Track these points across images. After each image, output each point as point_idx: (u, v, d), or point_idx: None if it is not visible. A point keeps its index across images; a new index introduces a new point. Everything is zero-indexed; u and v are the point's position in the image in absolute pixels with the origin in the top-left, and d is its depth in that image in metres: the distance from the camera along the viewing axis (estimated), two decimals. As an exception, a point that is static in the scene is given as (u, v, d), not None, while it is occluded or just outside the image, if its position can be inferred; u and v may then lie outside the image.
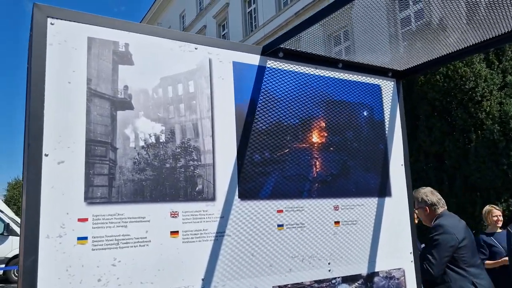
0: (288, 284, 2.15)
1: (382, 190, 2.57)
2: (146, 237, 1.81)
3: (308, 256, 2.23)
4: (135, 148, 1.85)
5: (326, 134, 2.42)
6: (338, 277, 2.31)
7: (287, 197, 2.22)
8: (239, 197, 2.08)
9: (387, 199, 2.58)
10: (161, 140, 1.91)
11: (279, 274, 2.13)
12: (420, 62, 2.68)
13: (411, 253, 2.61)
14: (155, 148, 1.89)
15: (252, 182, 2.12)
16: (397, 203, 2.62)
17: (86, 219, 1.71)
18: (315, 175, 2.33)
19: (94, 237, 1.71)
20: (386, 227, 2.53)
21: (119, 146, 1.81)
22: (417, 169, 8.16)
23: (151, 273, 1.80)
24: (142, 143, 1.86)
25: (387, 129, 2.68)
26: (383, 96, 2.72)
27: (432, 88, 7.94)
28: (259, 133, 2.19)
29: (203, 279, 1.92)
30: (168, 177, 1.90)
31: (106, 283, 1.71)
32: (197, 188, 1.97)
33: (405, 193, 2.67)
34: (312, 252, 2.25)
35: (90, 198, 1.72)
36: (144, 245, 1.80)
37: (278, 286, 2.12)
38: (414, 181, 7.94)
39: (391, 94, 2.76)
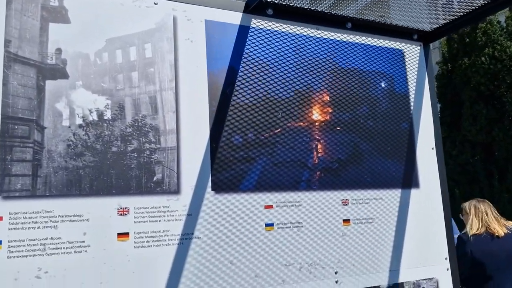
0: (280, 300, 1.68)
1: (407, 180, 2.04)
2: (83, 241, 1.41)
3: (307, 264, 1.75)
4: (69, 127, 1.45)
5: (330, 110, 1.92)
6: (349, 291, 1.81)
7: (279, 189, 1.75)
8: (212, 190, 1.63)
9: (413, 191, 2.05)
10: (105, 117, 1.50)
11: (267, 287, 1.66)
12: (452, 18, 2.12)
13: (446, 259, 2.06)
14: (98, 127, 1.48)
15: (230, 170, 1.67)
16: (427, 196, 2.08)
17: (0, 218, 1.32)
18: (316, 161, 1.85)
19: (11, 241, 1.32)
20: (412, 227, 2.00)
21: (48, 124, 1.42)
22: (462, 162, 7.38)
23: (90, 286, 1.39)
24: (79, 121, 1.46)
25: (412, 104, 2.15)
26: (406, 63, 2.18)
27: (477, 71, 7.14)
28: (240, 108, 1.73)
29: (163, 295, 1.49)
30: (115, 164, 1.49)
31: (27, 301, 1.31)
32: (154, 178, 1.54)
33: (438, 184, 2.13)
34: (313, 259, 1.76)
35: (6, 191, 1.34)
36: (80, 251, 1.40)
37: (267, 302, 1.65)
38: (459, 174, 7.20)
39: (417, 61, 2.22)
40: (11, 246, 1.32)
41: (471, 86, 7.22)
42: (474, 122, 7.13)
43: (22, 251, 1.33)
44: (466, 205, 3.01)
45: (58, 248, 1.37)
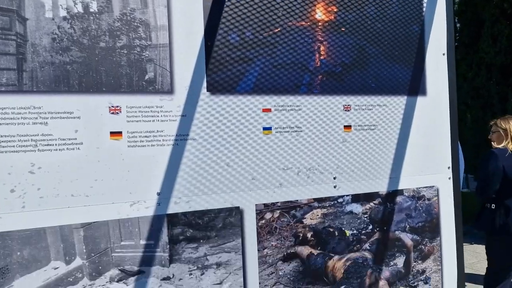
0: (277, 203, 1.68)
1: (414, 86, 1.95)
2: (75, 139, 1.38)
3: (305, 169, 1.73)
4: (53, 19, 1.36)
5: (335, 10, 1.79)
6: (347, 195, 1.81)
7: (278, 92, 1.68)
8: (207, 91, 1.57)
9: (420, 99, 1.97)
10: (91, 10, 1.41)
11: (264, 189, 1.66)
12: None
13: (449, 168, 2.03)
14: (83, 20, 1.39)
15: (227, 71, 1.59)
16: (435, 104, 2.00)
17: (-12, 113, 1.29)
18: (318, 64, 1.75)
19: (2, 136, 1.30)
20: (416, 135, 1.95)
21: (30, 16, 1.33)
22: (476, 85, 7.15)
23: (85, 184, 1.40)
24: (63, 13, 1.37)
25: (425, 5, 1.99)
26: (422, -41, 1.99)
27: (501, -14, 6.65)
28: (237, 4, 1.61)
29: (158, 194, 1.49)
30: (104, 60, 1.42)
31: (23, 194, 1.32)
32: (146, 77, 1.48)
33: (446, 92, 2.03)
34: (311, 164, 1.74)
35: (-9, 85, 1.29)
36: (73, 149, 1.38)
37: (264, 204, 1.66)
38: (472, 98, 7.02)
39: (434, -43, 2.02)
40: (2, 141, 1.30)
41: (493, 3, 6.77)
42: (493, 43, 6.78)
43: (14, 146, 1.31)
44: (498, 121, 3.01)
45: (50, 145, 1.35)
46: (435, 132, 2.00)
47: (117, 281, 1.44)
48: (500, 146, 2.95)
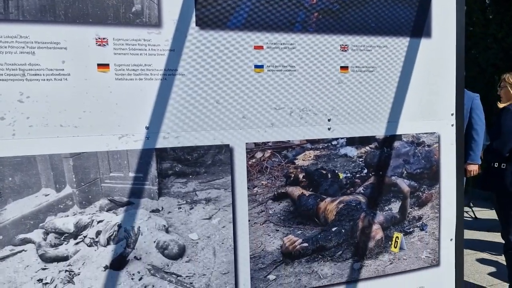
0: (268, 142, 1.68)
1: (418, 27, 1.87)
2: (63, 69, 1.40)
3: (298, 109, 1.71)
4: None
5: None
6: (341, 138, 1.78)
7: (271, 29, 1.64)
8: (197, 25, 1.54)
9: (424, 41, 1.88)
10: None
11: (255, 128, 1.65)
12: None
13: (452, 114, 1.97)
14: (68, -51, 1.38)
15: (217, 5, 1.56)
16: (439, 46, 1.91)
17: (-25, 41, 1.32)
18: (314, 1, 1.69)
19: (-10, 65, 1.33)
20: (418, 79, 1.88)
21: None
22: (507, 46, 6.81)
23: (73, 114, 1.42)
24: None
25: None
26: None
27: None
28: None
29: (147, 128, 1.51)
30: (90, -9, 1.41)
31: (12, 122, 1.36)
32: (133, 9, 1.46)
33: (453, 35, 1.94)
34: (305, 104, 1.72)
35: (-22, 13, 1.31)
36: (61, 79, 1.40)
37: (254, 143, 1.66)
38: (501, 60, 6.68)
39: None
40: (-10, 69, 1.33)
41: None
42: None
43: (2, 74, 1.34)
44: (507, 76, 2.89)
45: (38, 75, 1.37)
46: (439, 76, 1.92)
47: (107, 211, 1.49)
48: (508, 103, 2.83)
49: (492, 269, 3.99)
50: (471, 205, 6.29)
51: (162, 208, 1.55)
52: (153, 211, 1.54)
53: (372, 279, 1.87)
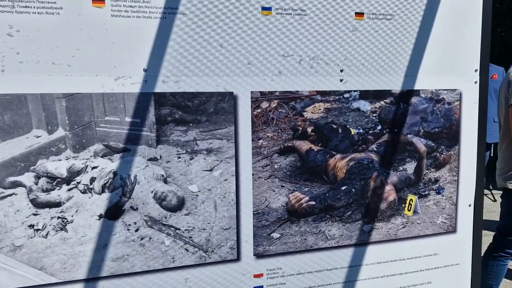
0: (275, 92, 1.57)
1: (442, -27, 1.71)
2: (55, 2, 1.31)
3: (308, 57, 1.59)
4: None
5: None
6: (354, 91, 1.66)
7: (280, -32, 1.51)
8: (199, -40, 1.43)
9: (448, -11, 1.73)
10: None
11: (262, 76, 1.55)
12: None
13: (476, 71, 1.82)
14: None
15: None
16: (465, -4, 1.76)
17: (-39, -33, 1.23)
18: None
19: (-23, -6, 1.25)
20: (441, 30, 1.74)
21: None
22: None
23: (66, 52, 1.33)
24: None
25: None
26: None
27: None
28: None
29: (145, 70, 1.42)
30: None
31: (1, 57, 1.28)
32: None
33: (481, -17, 1.78)
34: (315, 52, 1.60)
35: None
36: (53, 13, 1.31)
37: (260, 92, 1.55)
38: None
39: None
40: (-22, -1, 1.25)
41: None
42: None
43: (-10, 5, 1.26)
44: None
45: (28, 7, 1.28)
46: (464, 29, 1.77)
47: (102, 156, 1.41)
48: None
49: None
50: (491, 187, 6.11)
51: (161, 157, 1.47)
52: (150, 159, 1.46)
53: (383, 242, 1.77)
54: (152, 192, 1.47)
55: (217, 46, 1.48)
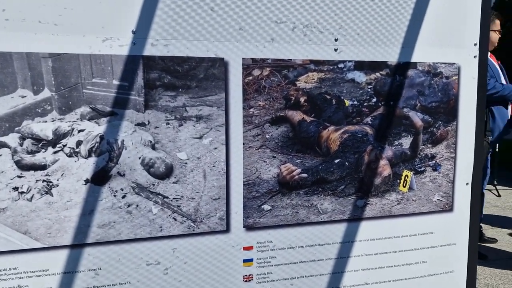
0: (267, 59, 1.54)
1: None
2: (42, -41, 1.28)
3: (302, 24, 1.55)
4: None
5: None
6: (349, 61, 1.63)
7: None
8: None
9: (447, -41, 1.69)
10: None
11: (253, 43, 1.51)
12: None
13: (475, 44, 1.78)
14: None
15: None
16: (465, -33, 1.72)
17: None
18: None
19: None
20: (440, 1, 1.70)
21: None
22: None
23: (53, 11, 1.31)
24: None
25: None
26: None
27: None
28: None
29: (134, 32, 1.39)
30: None
31: (-14, 14, 1.26)
32: None
33: (481, -47, 1.74)
34: (309, 20, 1.56)
35: None
36: (39, -30, 1.29)
37: (252, 59, 1.52)
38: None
39: None
40: (-38, -47, 1.22)
41: None
42: None
43: (-25, -40, 1.23)
44: None
45: (14, -37, 1.26)
46: (463, 0, 1.73)
47: (89, 120, 1.39)
48: None
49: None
50: (495, 183, 6.04)
51: (149, 122, 1.44)
52: (138, 124, 1.43)
53: (377, 219, 1.73)
54: (139, 158, 1.44)
55: (208, 10, 1.45)
